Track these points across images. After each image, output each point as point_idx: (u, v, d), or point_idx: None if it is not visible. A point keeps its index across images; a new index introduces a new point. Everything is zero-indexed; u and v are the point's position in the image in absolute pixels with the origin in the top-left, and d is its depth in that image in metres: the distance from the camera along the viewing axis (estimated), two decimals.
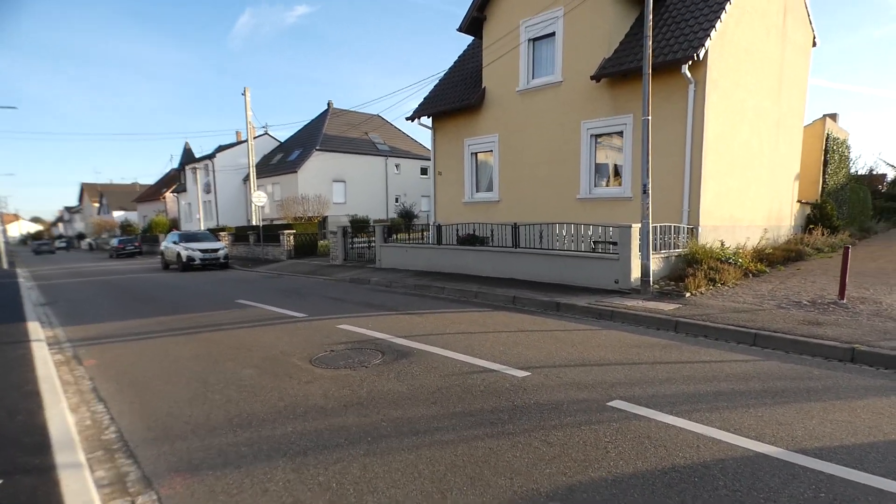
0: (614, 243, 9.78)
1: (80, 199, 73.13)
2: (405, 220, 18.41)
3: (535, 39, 12.16)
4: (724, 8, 9.67)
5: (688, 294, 7.66)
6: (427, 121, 14.77)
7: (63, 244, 58.17)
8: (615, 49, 10.81)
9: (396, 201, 33.69)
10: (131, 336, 6.93)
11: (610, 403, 3.67)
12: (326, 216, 27.21)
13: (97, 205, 63.27)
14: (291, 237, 20.12)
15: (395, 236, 14.62)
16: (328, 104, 35.46)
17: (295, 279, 13.61)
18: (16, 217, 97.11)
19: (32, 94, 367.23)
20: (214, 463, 3.09)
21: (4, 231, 36.92)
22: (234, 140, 39.81)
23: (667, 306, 6.99)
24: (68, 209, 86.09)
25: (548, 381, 4.19)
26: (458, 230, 12.47)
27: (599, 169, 11.52)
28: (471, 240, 11.85)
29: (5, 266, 24.10)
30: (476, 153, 13.86)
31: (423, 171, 35.81)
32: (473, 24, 13.36)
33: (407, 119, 14.85)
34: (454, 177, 14.37)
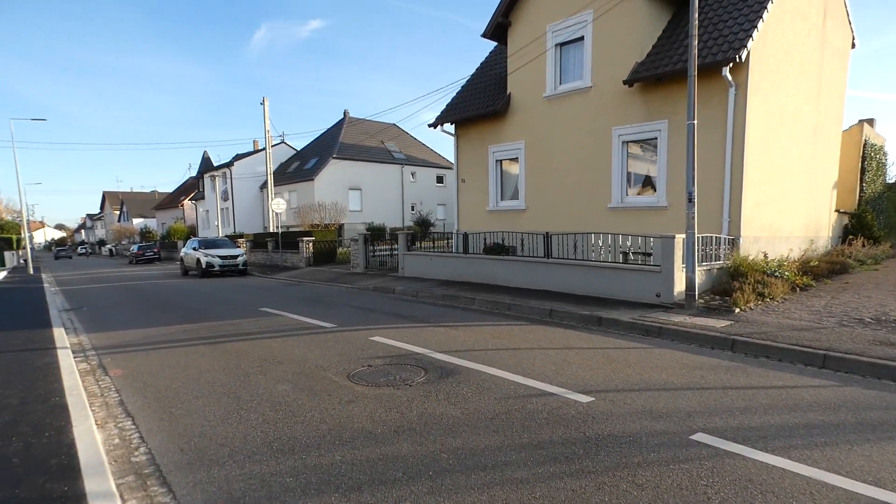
0: (648, 254, 9.37)
1: (102, 206, 74.79)
2: (422, 229, 18.27)
3: (562, 44, 11.87)
4: (765, 7, 9.27)
5: (737, 310, 7.21)
6: (450, 128, 14.53)
7: (84, 250, 59.62)
8: (648, 53, 10.47)
9: (412, 209, 33.51)
10: (156, 344, 6.74)
11: (693, 437, 3.28)
12: (343, 224, 27.12)
13: (118, 212, 64.72)
14: (311, 244, 19.97)
15: (418, 244, 14.36)
16: (344, 113, 35.59)
17: (316, 287, 13.39)
18: (41, 224, 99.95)
19: (60, 107, 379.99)
20: (258, 496, 2.79)
21: (31, 238, 37.74)
22: (251, 149, 40.18)
23: (717, 322, 6.56)
24: (90, 216, 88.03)
25: (616, 409, 3.81)
26: (485, 239, 12.14)
27: (631, 177, 11.12)
28: (498, 249, 11.52)
29: (31, 272, 24.54)
30: (501, 160, 13.57)
31: (439, 180, 35.63)
32: (498, 29, 13.11)
33: (429, 126, 14.65)
34: (478, 184, 14.08)
